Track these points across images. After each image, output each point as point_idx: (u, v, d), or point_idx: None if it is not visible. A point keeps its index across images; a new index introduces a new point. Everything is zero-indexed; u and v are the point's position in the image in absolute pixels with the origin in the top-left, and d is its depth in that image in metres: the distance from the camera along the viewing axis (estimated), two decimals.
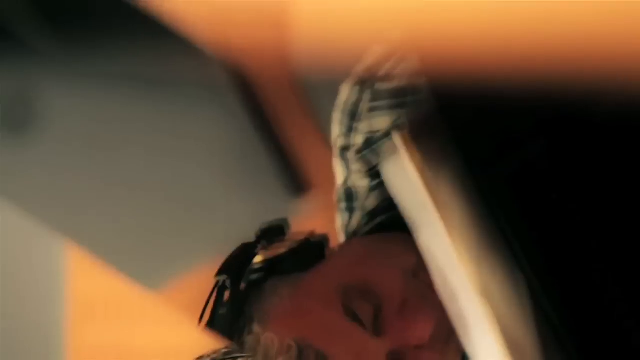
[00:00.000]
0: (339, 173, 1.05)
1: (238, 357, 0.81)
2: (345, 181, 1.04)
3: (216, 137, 1.51)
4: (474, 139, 0.79)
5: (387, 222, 1.01)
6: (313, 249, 1.00)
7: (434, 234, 0.83)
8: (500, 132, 0.78)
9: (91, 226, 1.43)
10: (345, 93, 1.01)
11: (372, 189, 1.02)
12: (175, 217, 1.49)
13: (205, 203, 1.51)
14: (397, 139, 0.84)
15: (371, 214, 1.03)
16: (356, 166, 1.02)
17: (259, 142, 1.53)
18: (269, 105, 1.53)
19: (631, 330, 0.74)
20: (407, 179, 0.84)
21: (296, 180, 1.58)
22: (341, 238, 1.07)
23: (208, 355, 0.84)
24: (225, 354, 0.82)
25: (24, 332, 1.28)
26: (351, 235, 1.06)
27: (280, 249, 0.99)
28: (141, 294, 1.24)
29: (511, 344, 0.80)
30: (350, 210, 1.05)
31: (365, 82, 0.99)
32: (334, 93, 1.02)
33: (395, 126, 0.91)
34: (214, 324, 0.97)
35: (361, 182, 1.02)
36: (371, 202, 1.02)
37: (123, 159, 1.49)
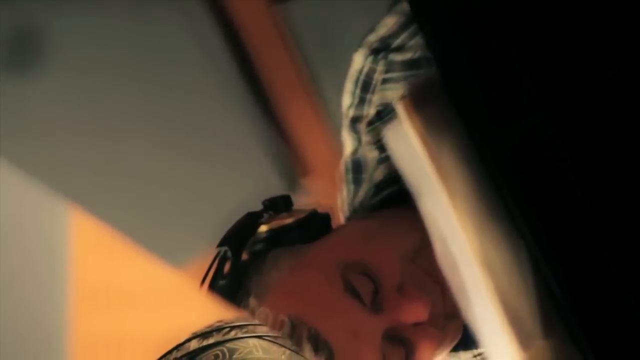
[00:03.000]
0: (348, 144, 1.04)
1: (231, 328, 0.78)
2: (355, 152, 1.03)
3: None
4: (476, 108, 0.77)
5: (395, 195, 1.00)
6: (320, 221, 0.99)
7: (436, 202, 0.81)
8: (503, 102, 0.76)
9: (100, 189, 1.43)
10: (359, 62, 1.00)
11: (381, 161, 1.01)
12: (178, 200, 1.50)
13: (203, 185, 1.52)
14: (399, 106, 0.82)
15: (379, 186, 1.02)
16: (366, 138, 1.01)
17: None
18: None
19: (631, 306, 0.72)
20: (409, 147, 0.82)
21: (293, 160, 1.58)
22: (344, 211, 1.06)
23: (201, 330, 0.81)
24: (218, 327, 0.79)
25: (24, 321, 1.28)
26: (357, 207, 1.04)
27: (286, 219, 0.97)
28: (143, 280, 1.23)
29: (511, 314, 0.78)
30: (358, 181, 1.03)
31: (379, 52, 0.98)
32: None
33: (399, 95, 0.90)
34: (212, 294, 0.96)
35: (370, 155, 1.01)
36: (379, 174, 1.01)
37: (125, 107, 1.49)
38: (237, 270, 0.95)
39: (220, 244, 0.97)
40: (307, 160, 1.64)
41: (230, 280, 0.95)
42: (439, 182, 0.80)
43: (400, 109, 0.81)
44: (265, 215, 0.98)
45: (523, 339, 0.78)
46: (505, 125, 0.75)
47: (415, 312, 0.91)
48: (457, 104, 0.77)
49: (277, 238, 0.96)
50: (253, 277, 0.95)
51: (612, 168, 0.73)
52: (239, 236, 0.97)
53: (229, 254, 0.95)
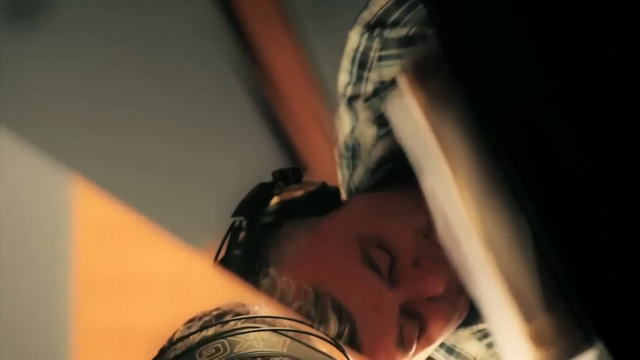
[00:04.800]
0: (345, 124, 1.04)
1: (230, 320, 0.76)
2: (352, 131, 1.03)
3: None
4: (480, 83, 0.77)
5: (392, 171, 1.01)
6: (330, 194, 1.00)
7: (438, 177, 0.82)
8: (508, 78, 0.76)
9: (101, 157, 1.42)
10: (354, 40, 1.00)
11: (378, 138, 1.02)
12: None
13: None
14: (402, 80, 0.82)
15: (376, 165, 1.03)
16: (364, 115, 1.02)
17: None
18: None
19: (633, 285, 0.73)
20: (412, 121, 0.82)
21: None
22: (342, 191, 1.07)
23: (199, 318, 0.79)
24: (217, 316, 0.78)
25: (28, 313, 1.26)
26: (355, 187, 1.05)
27: (297, 191, 0.98)
28: (147, 269, 1.23)
29: (514, 288, 0.79)
30: (353, 165, 1.04)
31: (374, 29, 0.99)
32: None
33: (401, 68, 0.89)
34: (227, 265, 0.97)
35: (368, 132, 1.02)
36: (377, 152, 1.02)
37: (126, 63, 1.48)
38: (252, 240, 0.96)
39: (235, 214, 0.98)
40: (310, 152, 1.65)
41: (246, 249, 0.96)
42: (441, 156, 0.80)
43: (402, 83, 0.81)
44: (276, 187, 0.99)
45: (526, 313, 0.79)
46: (508, 101, 0.75)
47: (432, 284, 0.93)
48: (459, 79, 0.77)
49: (288, 210, 0.97)
50: (270, 248, 0.96)
51: (616, 146, 0.73)
52: (253, 206, 0.98)
53: (244, 224, 0.96)
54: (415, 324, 0.94)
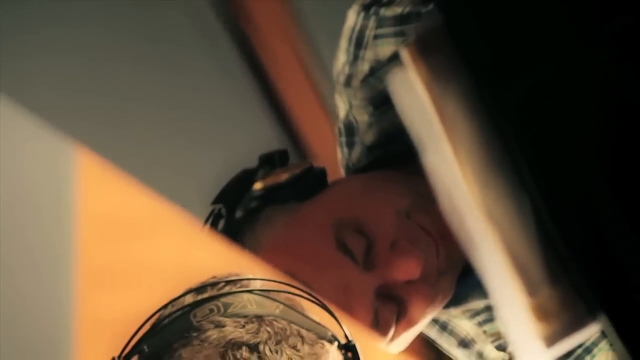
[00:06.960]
0: (344, 102, 1.04)
1: (225, 284, 0.78)
2: (350, 110, 1.03)
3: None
4: (483, 60, 0.77)
5: (385, 156, 1.01)
6: (315, 177, 1.00)
7: (439, 154, 0.82)
8: (510, 55, 0.76)
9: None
10: (352, 19, 1.01)
11: (374, 118, 1.01)
12: None
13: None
14: (404, 53, 0.82)
15: (370, 148, 1.03)
16: (361, 94, 1.01)
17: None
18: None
19: (635, 264, 0.73)
20: (413, 95, 0.82)
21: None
22: (342, 169, 1.07)
23: (196, 285, 0.80)
24: (212, 283, 0.79)
25: (30, 304, 1.27)
26: (351, 169, 1.05)
27: (282, 175, 0.98)
28: (151, 260, 1.23)
29: (517, 262, 0.79)
30: (351, 144, 1.04)
31: (370, 8, 0.99)
32: None
33: (403, 42, 0.89)
34: None
35: (364, 111, 1.02)
36: (373, 131, 1.02)
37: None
38: (231, 228, 0.96)
39: (215, 202, 0.97)
40: (309, 144, 1.66)
41: (224, 237, 0.95)
42: (442, 131, 0.80)
43: (405, 56, 0.81)
44: (261, 172, 0.98)
45: (529, 286, 0.79)
46: (512, 77, 0.75)
47: (406, 269, 0.92)
48: (463, 54, 0.77)
49: (272, 195, 0.97)
50: (247, 233, 0.96)
51: (620, 122, 0.73)
52: (233, 193, 0.97)
53: (223, 211, 0.96)
54: (393, 306, 0.94)
